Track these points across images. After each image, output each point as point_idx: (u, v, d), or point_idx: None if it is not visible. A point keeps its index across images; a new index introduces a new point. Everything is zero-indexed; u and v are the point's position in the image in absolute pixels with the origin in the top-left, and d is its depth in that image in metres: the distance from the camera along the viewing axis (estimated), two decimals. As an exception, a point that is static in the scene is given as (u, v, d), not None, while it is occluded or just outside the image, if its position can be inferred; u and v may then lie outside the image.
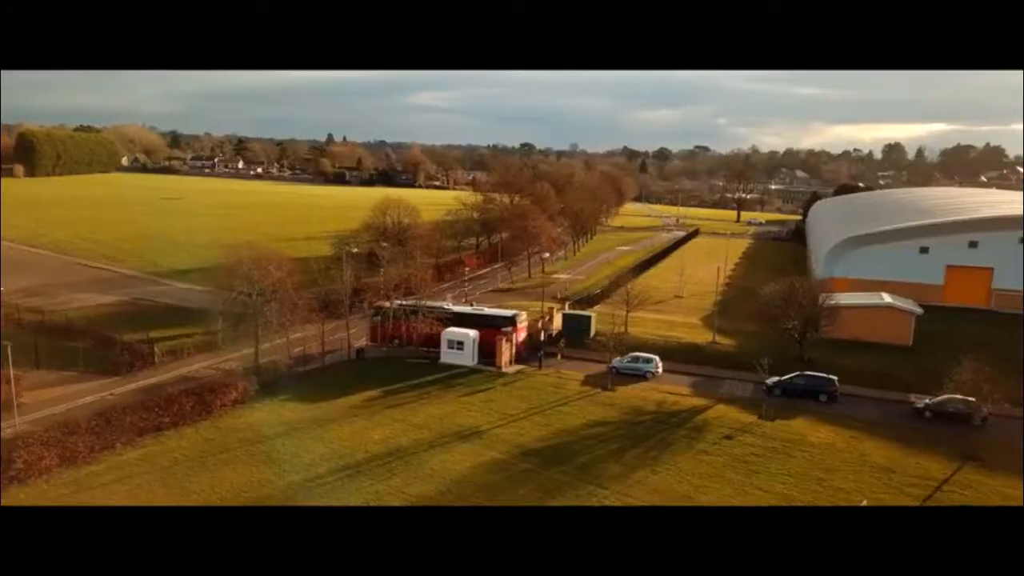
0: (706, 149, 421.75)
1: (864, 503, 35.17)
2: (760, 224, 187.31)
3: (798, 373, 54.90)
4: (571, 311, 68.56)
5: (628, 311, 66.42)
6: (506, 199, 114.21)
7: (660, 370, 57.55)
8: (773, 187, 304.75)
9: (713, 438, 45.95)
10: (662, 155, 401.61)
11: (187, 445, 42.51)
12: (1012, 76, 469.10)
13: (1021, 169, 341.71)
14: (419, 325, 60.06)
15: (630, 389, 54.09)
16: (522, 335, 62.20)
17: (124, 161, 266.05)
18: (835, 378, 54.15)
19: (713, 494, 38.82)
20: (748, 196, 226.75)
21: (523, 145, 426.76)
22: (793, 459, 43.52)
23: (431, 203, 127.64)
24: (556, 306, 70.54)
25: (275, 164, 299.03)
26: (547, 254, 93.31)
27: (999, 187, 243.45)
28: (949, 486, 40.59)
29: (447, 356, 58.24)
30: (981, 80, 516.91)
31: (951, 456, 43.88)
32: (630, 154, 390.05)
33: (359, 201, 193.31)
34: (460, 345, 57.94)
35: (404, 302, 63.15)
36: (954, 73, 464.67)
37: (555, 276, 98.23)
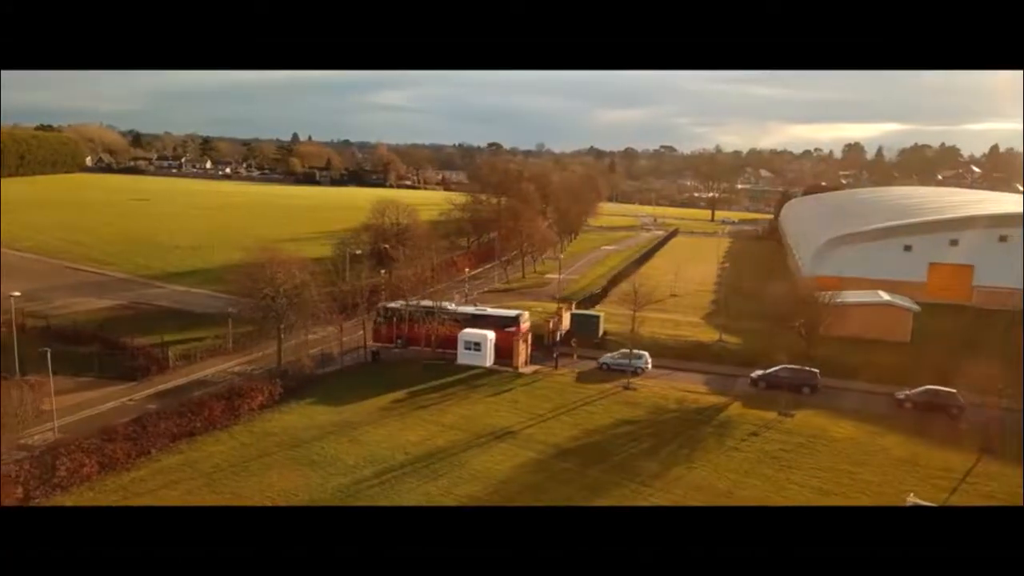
0: (672, 149, 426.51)
1: (911, 497, 36.30)
2: (734, 223, 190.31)
3: (782, 366, 56.62)
4: (580, 311, 69.24)
5: (635, 311, 67.13)
6: (493, 200, 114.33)
7: (650, 366, 58.60)
8: (740, 186, 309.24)
9: (740, 434, 47.01)
10: (629, 155, 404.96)
11: (225, 450, 42.23)
12: (963, 77, 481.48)
13: (975, 168, 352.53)
14: (428, 326, 60.31)
15: (649, 388, 54.99)
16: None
17: (88, 161, 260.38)
18: (817, 371, 56.11)
19: (752, 490, 39.78)
20: (719, 195, 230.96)
21: (491, 145, 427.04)
22: (820, 454, 44.73)
23: (408, 203, 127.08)
24: (564, 306, 71.15)
25: (243, 164, 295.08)
26: (562, 255, 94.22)
27: (956, 186, 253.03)
28: (972, 477, 42.17)
29: (464, 357, 58.51)
30: (933, 81, 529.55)
31: (968, 449, 45.48)
32: (597, 154, 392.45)
33: (335, 201, 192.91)
34: (477, 346, 58.28)
35: (407, 303, 63.43)
36: (908, 74, 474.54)
37: (548, 276, 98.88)
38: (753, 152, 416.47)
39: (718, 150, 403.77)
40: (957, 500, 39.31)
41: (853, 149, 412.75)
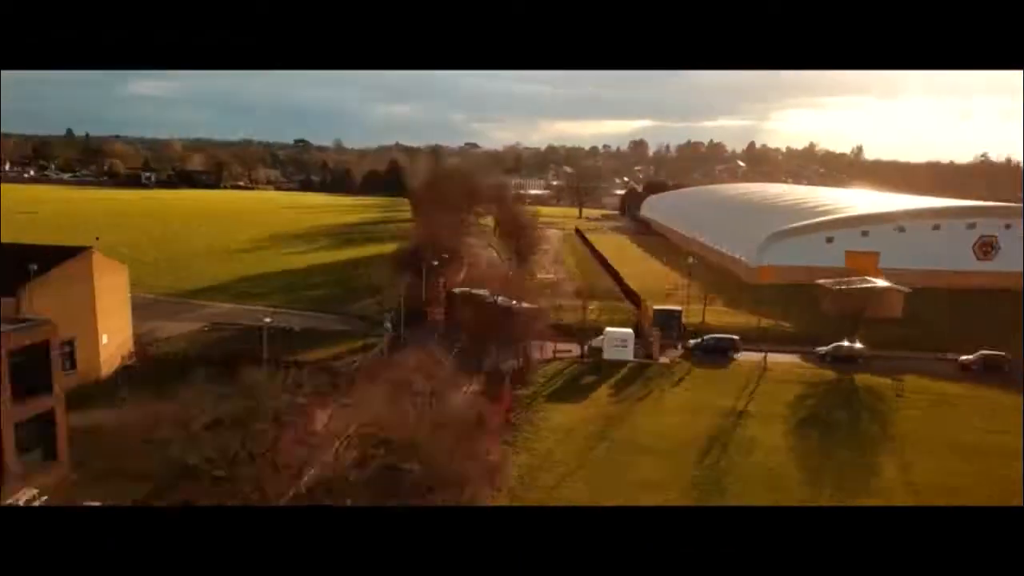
0: (475, 146, 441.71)
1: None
2: (598, 220, 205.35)
3: (711, 336, 70.56)
4: (661, 307, 77.32)
5: (703, 304, 76.67)
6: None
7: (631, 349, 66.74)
8: (555, 183, 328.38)
9: (890, 397, 58.53)
10: (435, 152, 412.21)
11: (552, 449, 46.46)
12: (706, 76, 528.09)
13: (741, 163, 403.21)
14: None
15: (771, 367, 64.78)
16: None
17: None
18: (736, 337, 69.73)
19: (955, 432, 51.23)
20: (548, 192, 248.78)
21: (298, 141, 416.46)
22: (958, 408, 57.27)
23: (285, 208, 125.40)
24: (648, 302, 79.73)
25: (50, 165, 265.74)
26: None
27: (729, 178, 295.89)
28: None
29: (610, 353, 65.39)
30: (680, 80, 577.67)
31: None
32: (404, 150, 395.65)
33: (221, 206, 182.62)
34: (624, 343, 65.51)
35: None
36: (657, 73, 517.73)
37: (541, 276, 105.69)
38: (551, 149, 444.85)
39: (518, 145, 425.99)
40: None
41: (639, 146, 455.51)
